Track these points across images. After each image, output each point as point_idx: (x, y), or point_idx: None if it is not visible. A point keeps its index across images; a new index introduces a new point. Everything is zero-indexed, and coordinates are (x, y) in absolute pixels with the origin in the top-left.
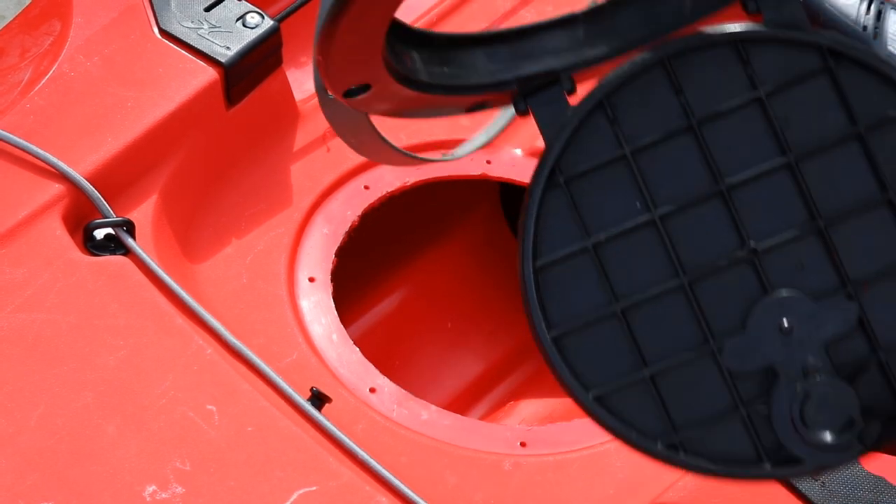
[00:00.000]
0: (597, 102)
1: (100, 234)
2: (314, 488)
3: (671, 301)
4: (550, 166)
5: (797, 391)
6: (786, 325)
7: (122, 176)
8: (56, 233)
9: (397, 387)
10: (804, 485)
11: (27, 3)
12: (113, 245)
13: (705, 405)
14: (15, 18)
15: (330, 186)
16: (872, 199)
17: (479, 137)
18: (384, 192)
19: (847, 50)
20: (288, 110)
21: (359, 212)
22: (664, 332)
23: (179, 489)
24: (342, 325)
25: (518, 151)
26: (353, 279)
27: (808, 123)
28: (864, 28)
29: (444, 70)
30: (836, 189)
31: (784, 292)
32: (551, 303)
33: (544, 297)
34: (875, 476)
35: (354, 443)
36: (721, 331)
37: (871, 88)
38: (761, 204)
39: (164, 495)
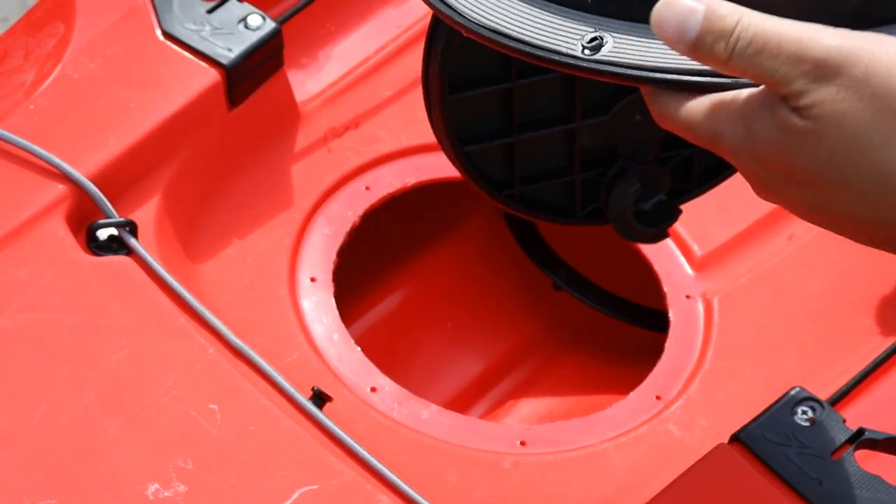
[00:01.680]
0: None
1: (103, 234)
2: (315, 486)
3: (553, 81)
4: None
5: (628, 170)
6: (638, 118)
7: (124, 177)
8: (59, 233)
9: (398, 386)
10: (802, 485)
11: (31, 6)
12: (116, 245)
13: (548, 168)
14: (19, 21)
15: (331, 187)
16: None
17: None
18: (385, 193)
19: None
20: (289, 112)
21: (360, 212)
22: (539, 106)
23: (182, 487)
24: (343, 325)
25: None
26: (354, 279)
27: None
28: None
29: None
30: None
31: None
32: (453, 69)
33: (448, 66)
34: (872, 475)
35: (355, 442)
36: (587, 111)
37: None
38: None
39: (166, 493)
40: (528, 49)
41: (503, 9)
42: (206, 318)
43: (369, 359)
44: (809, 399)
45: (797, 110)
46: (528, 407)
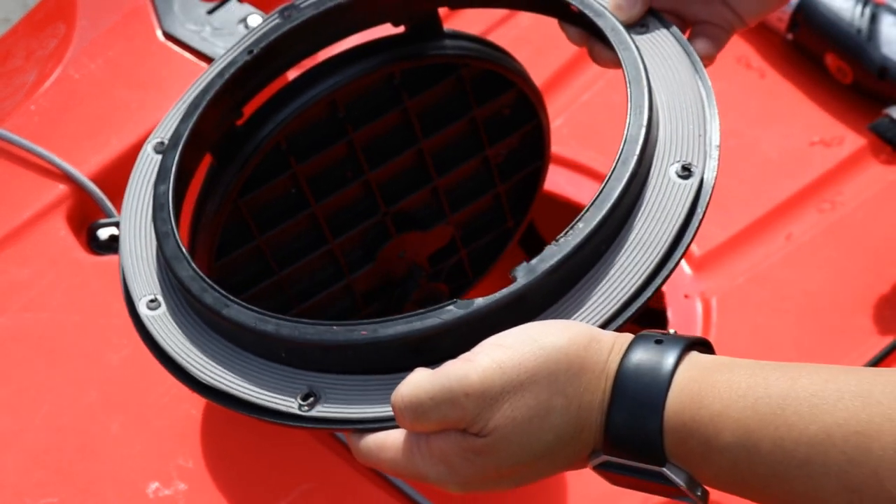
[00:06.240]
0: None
1: (103, 234)
2: (315, 484)
3: (318, 254)
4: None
5: (407, 296)
6: (402, 253)
7: (125, 177)
8: (60, 233)
9: None
10: None
11: (32, 6)
12: (116, 245)
13: (333, 317)
14: (20, 21)
15: None
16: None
17: None
18: None
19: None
20: None
21: None
22: (308, 275)
23: (182, 486)
24: None
25: None
26: None
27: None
28: (859, 31)
29: None
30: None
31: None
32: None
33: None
34: None
35: None
36: (352, 265)
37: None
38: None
39: (167, 492)
40: (249, 412)
41: (226, 366)
42: None
43: None
44: None
45: (478, 434)
46: None
